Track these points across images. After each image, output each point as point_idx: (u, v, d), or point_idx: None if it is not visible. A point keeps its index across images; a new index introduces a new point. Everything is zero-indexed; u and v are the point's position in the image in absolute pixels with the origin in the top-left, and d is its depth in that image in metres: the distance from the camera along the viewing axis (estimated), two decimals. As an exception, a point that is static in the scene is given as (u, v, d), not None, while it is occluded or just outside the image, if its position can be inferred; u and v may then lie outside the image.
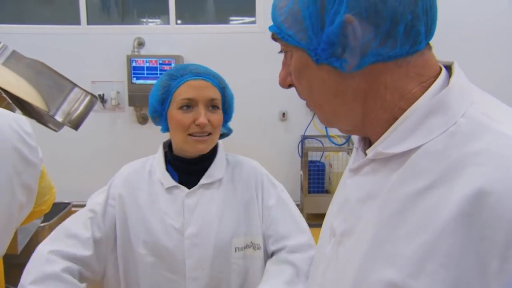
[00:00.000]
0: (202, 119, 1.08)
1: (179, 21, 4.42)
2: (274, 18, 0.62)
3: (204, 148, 1.13)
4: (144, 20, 4.65)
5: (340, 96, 0.60)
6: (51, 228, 2.87)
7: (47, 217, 2.48)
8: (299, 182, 4.22)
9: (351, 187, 0.65)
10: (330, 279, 0.64)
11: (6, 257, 1.49)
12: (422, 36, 0.55)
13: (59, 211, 2.97)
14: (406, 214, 0.52)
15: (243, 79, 4.22)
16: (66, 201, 3.05)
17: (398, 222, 0.53)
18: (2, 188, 1.22)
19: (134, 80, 4.18)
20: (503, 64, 3.96)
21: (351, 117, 0.61)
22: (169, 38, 4.33)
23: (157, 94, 1.13)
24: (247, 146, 4.85)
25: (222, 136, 1.24)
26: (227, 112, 1.21)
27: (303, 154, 3.98)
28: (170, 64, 4.11)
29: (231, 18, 4.56)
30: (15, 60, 2.25)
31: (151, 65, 4.11)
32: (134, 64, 4.16)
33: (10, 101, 2.00)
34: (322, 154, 4.23)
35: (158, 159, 1.21)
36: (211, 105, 1.12)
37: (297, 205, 4.87)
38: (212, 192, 1.16)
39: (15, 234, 1.88)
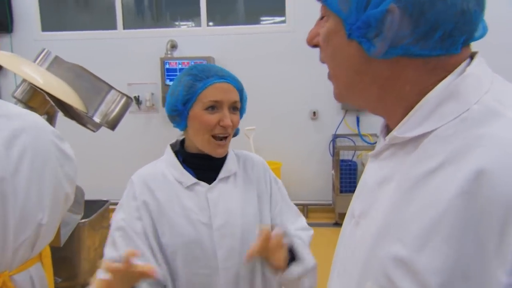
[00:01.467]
0: (227, 121, 1.13)
1: (210, 23, 4.50)
2: None
3: (223, 152, 1.19)
4: (177, 23, 4.75)
5: (360, 75, 0.61)
6: (91, 225, 2.99)
7: (87, 214, 2.60)
8: (331, 181, 4.19)
9: (370, 171, 0.68)
10: (348, 258, 0.67)
11: (50, 250, 1.55)
12: (458, 44, 0.55)
13: (98, 208, 3.07)
14: (415, 194, 0.55)
15: (274, 79, 4.24)
16: (104, 199, 3.17)
17: (407, 201, 0.56)
18: (51, 178, 1.29)
19: (168, 82, 4.27)
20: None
21: (365, 96, 0.63)
22: (200, 40, 4.40)
23: (182, 94, 1.16)
24: (278, 144, 4.92)
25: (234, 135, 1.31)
26: (241, 113, 1.26)
27: (335, 153, 3.95)
28: None
29: (261, 18, 4.59)
30: (57, 65, 2.38)
31: (183, 66, 4.20)
32: (167, 66, 4.27)
33: (53, 104, 2.10)
34: (354, 153, 4.18)
35: (168, 161, 1.25)
36: (233, 107, 1.17)
37: (329, 205, 4.87)
38: (230, 185, 1.22)
39: (58, 227, 1.99)
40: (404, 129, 0.59)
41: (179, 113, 1.20)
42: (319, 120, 4.30)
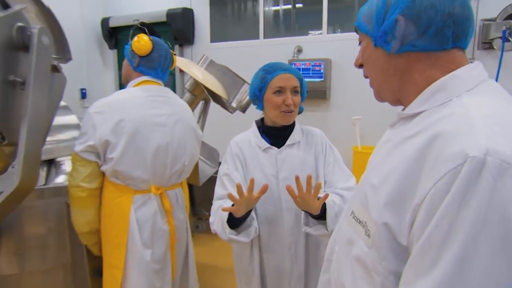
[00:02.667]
0: (289, 101, 1.28)
1: (331, 31, 4.55)
2: (358, 18, 0.74)
3: (290, 120, 1.33)
4: (303, 32, 4.87)
5: (385, 72, 0.70)
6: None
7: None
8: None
9: (384, 136, 0.77)
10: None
11: (191, 186, 1.90)
12: (449, 40, 0.63)
13: None
14: (394, 150, 0.65)
15: None
16: None
17: (389, 153, 0.66)
18: (190, 139, 1.59)
19: None
20: None
21: (391, 90, 0.72)
22: (321, 45, 4.50)
23: (258, 83, 1.32)
24: (381, 132, 4.56)
25: (299, 112, 1.41)
26: (302, 96, 1.36)
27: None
28: (320, 66, 4.33)
29: None
30: (211, 66, 3.03)
31: (305, 66, 4.40)
32: (293, 66, 4.50)
33: (207, 93, 2.74)
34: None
35: (253, 131, 1.39)
36: (294, 91, 1.30)
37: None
38: (294, 150, 1.34)
39: (197, 171, 2.46)
40: (409, 109, 0.68)
41: (257, 97, 1.34)
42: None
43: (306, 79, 4.40)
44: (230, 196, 1.10)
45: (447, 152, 0.52)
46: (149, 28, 1.44)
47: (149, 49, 1.44)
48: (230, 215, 1.18)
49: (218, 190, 1.33)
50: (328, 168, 1.35)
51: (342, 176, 1.35)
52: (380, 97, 0.76)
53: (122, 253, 1.37)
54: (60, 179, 1.75)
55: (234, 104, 2.92)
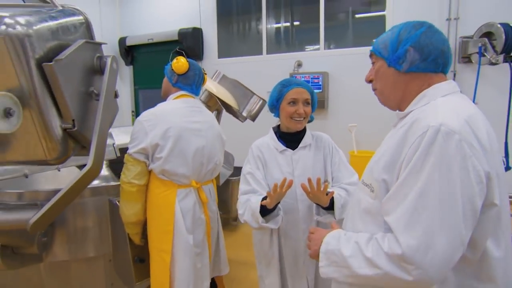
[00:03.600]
0: (300, 111, 1.40)
1: (328, 47, 4.67)
2: (375, 45, 0.92)
3: (300, 127, 1.44)
4: (302, 47, 4.98)
5: (394, 85, 0.88)
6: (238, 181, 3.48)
7: (235, 173, 3.01)
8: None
9: (388, 135, 0.93)
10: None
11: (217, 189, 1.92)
12: (440, 66, 0.84)
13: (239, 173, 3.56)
14: (390, 138, 0.84)
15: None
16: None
17: (387, 140, 0.85)
18: (221, 141, 1.75)
19: None
20: None
21: (395, 99, 0.89)
22: (319, 60, 4.61)
23: (275, 95, 1.44)
24: (375, 138, 4.23)
25: (309, 121, 1.51)
26: (313, 107, 1.47)
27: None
28: (319, 78, 4.46)
29: (366, 41, 4.43)
30: (224, 80, 3.15)
31: (305, 79, 4.47)
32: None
33: (220, 104, 2.85)
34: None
35: (270, 136, 1.50)
36: (306, 102, 1.41)
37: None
38: (306, 151, 1.43)
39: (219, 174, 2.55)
40: (403, 112, 0.87)
41: (274, 106, 1.47)
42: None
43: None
44: (269, 193, 1.25)
45: (418, 126, 0.73)
46: (185, 52, 1.59)
47: (186, 69, 1.64)
48: (262, 206, 1.30)
49: (243, 187, 1.43)
50: (335, 166, 1.44)
51: (346, 173, 1.44)
52: (385, 104, 0.94)
53: (170, 239, 1.52)
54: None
55: (244, 114, 3.02)
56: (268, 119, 5.88)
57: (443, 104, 0.77)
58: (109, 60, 1.15)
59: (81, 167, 2.04)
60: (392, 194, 0.73)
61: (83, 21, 1.12)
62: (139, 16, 6.02)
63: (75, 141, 1.08)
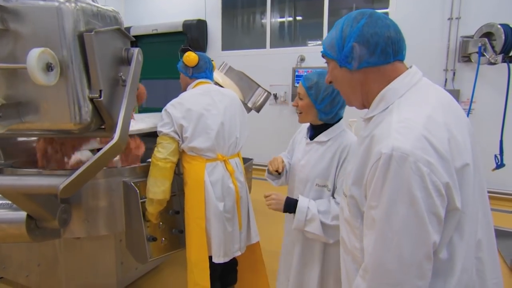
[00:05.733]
0: (294, 103, 1.40)
1: None
2: (324, 46, 0.88)
3: (299, 120, 1.42)
4: (306, 42, 5.04)
5: (350, 85, 0.85)
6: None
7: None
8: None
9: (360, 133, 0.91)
10: None
11: None
12: (390, 55, 0.79)
13: (245, 162, 3.33)
14: (358, 147, 0.83)
15: None
16: (250, 157, 3.36)
17: (355, 150, 0.88)
18: (240, 117, 1.87)
19: (296, 84, 4.69)
20: None
21: (357, 99, 0.87)
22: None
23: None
24: None
25: (330, 120, 1.38)
26: (316, 105, 1.32)
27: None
28: None
29: None
30: (230, 71, 3.23)
31: (308, 73, 4.68)
32: (297, 73, 4.70)
33: None
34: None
35: (307, 125, 1.49)
36: (299, 97, 1.37)
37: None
38: (318, 147, 1.38)
39: None
40: (366, 113, 0.85)
41: None
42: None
43: None
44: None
45: (373, 150, 0.73)
46: (189, 45, 1.72)
47: (197, 60, 1.83)
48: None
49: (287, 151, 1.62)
50: (341, 178, 1.32)
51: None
52: (350, 105, 0.92)
53: (202, 206, 1.71)
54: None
55: (249, 105, 3.09)
56: (274, 111, 5.88)
57: (398, 116, 0.73)
58: (135, 52, 1.28)
59: (94, 151, 2.13)
60: (364, 220, 0.75)
61: (118, 17, 1.27)
62: (144, 6, 6.05)
63: (98, 117, 1.16)
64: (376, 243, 0.70)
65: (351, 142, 1.33)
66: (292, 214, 1.35)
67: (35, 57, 0.91)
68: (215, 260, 1.72)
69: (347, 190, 0.82)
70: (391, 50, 0.78)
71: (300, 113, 1.37)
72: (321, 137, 1.37)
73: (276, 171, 1.45)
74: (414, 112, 0.73)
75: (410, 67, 0.83)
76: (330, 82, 0.90)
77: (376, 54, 0.78)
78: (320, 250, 1.35)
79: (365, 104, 0.86)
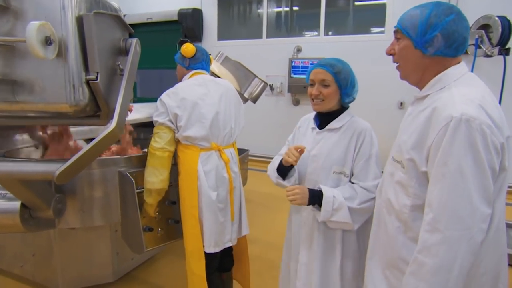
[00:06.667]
0: (314, 92, 1.33)
1: (328, 33, 4.71)
2: (401, 22, 0.95)
3: (318, 108, 1.37)
4: (302, 33, 5.02)
5: (417, 65, 0.95)
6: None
7: None
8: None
9: (407, 111, 1.03)
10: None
11: None
12: (460, 52, 0.92)
13: (241, 153, 3.45)
14: (414, 118, 0.94)
15: (370, 75, 4.11)
16: (245, 148, 3.33)
17: (410, 120, 0.95)
18: (235, 108, 1.85)
19: (292, 75, 4.71)
20: None
21: (416, 77, 0.97)
22: (319, 45, 4.65)
23: (307, 77, 1.39)
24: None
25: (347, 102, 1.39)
26: (343, 89, 1.32)
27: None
28: None
29: (365, 29, 4.57)
30: (226, 61, 3.20)
31: (304, 64, 4.59)
32: (293, 64, 4.68)
33: None
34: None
35: (311, 114, 1.49)
36: (323, 84, 1.32)
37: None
38: (331, 135, 1.36)
39: None
40: (421, 92, 0.96)
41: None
42: (406, 109, 4.26)
43: (305, 76, 4.48)
44: (287, 151, 1.34)
45: (441, 116, 0.84)
46: (185, 34, 1.68)
47: (194, 51, 1.83)
48: (281, 166, 1.39)
49: (281, 151, 1.51)
50: (360, 162, 1.32)
51: (367, 175, 1.32)
52: (405, 79, 1.01)
53: (195, 195, 1.71)
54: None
55: (246, 95, 3.07)
56: (270, 102, 5.84)
57: (458, 92, 0.86)
58: (134, 42, 1.27)
59: (87, 140, 2.10)
60: (433, 177, 0.85)
61: (118, 8, 1.27)
62: (138, -6, 5.93)
63: (94, 102, 1.15)
64: (450, 193, 0.81)
65: (366, 127, 1.36)
66: (310, 206, 1.33)
67: (34, 29, 0.91)
68: (206, 250, 1.72)
69: (403, 154, 0.92)
70: (463, 48, 0.91)
71: (322, 100, 1.32)
72: (333, 124, 1.37)
73: (296, 162, 1.35)
74: (470, 91, 0.86)
75: (461, 61, 0.95)
76: (391, 55, 0.99)
77: (452, 48, 0.90)
78: (340, 237, 1.36)
79: (418, 83, 0.97)
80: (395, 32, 0.98)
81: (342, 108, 1.39)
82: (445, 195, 0.82)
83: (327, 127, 1.38)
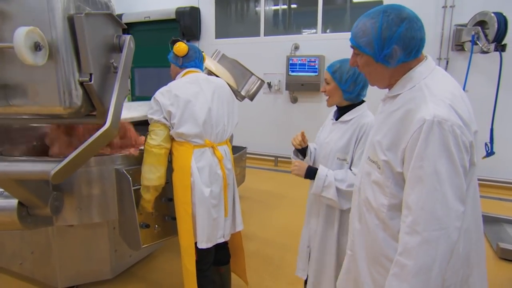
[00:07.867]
0: (321, 89, 1.56)
1: (325, 30, 4.72)
2: (355, 39, 0.96)
3: (327, 103, 1.57)
4: (300, 30, 5.02)
5: (382, 76, 0.99)
6: (235, 160, 3.23)
7: (233, 153, 3.05)
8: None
9: (379, 109, 1.06)
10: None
11: None
12: (420, 52, 0.94)
13: (239, 151, 3.34)
14: (387, 118, 0.96)
15: None
16: (244, 146, 3.43)
17: (384, 120, 0.97)
18: (228, 106, 1.87)
19: (290, 73, 4.71)
20: None
21: (383, 84, 1.01)
22: (316, 43, 4.66)
23: None
24: None
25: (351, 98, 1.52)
26: (341, 86, 1.47)
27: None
28: (315, 62, 4.49)
29: None
30: (223, 59, 3.20)
31: (302, 62, 4.58)
32: (291, 62, 4.68)
33: None
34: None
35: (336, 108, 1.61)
36: (326, 82, 1.52)
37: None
38: (342, 126, 1.53)
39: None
40: (391, 92, 0.98)
41: None
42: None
43: (302, 74, 4.80)
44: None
45: (415, 118, 0.86)
46: (182, 33, 1.67)
47: (186, 50, 1.84)
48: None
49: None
50: (359, 151, 1.46)
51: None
52: (374, 85, 1.05)
53: (188, 192, 1.72)
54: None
55: (243, 93, 3.06)
56: (268, 100, 5.87)
57: (429, 92, 0.88)
58: (127, 39, 1.27)
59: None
60: (408, 181, 0.87)
61: (109, 5, 1.26)
62: (136, -7, 5.92)
63: (89, 103, 1.15)
64: (428, 196, 0.83)
65: (368, 121, 1.48)
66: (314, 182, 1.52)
67: (22, 35, 0.89)
68: (199, 245, 1.73)
69: (378, 156, 0.94)
70: (422, 47, 0.93)
71: (328, 97, 1.52)
72: (344, 117, 1.52)
73: (300, 145, 1.58)
74: (441, 89, 0.88)
75: (426, 56, 0.97)
76: (356, 66, 1.01)
77: (412, 54, 0.92)
78: (338, 214, 1.53)
79: (388, 86, 1.00)
80: (352, 47, 0.98)
81: (357, 103, 1.53)
82: (422, 198, 0.84)
83: (340, 119, 1.54)
